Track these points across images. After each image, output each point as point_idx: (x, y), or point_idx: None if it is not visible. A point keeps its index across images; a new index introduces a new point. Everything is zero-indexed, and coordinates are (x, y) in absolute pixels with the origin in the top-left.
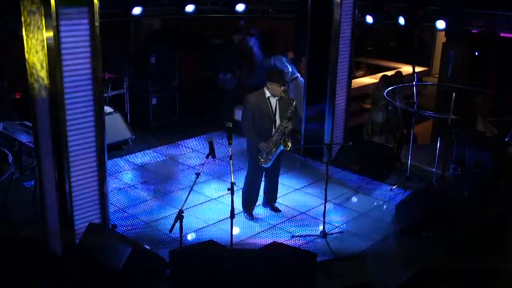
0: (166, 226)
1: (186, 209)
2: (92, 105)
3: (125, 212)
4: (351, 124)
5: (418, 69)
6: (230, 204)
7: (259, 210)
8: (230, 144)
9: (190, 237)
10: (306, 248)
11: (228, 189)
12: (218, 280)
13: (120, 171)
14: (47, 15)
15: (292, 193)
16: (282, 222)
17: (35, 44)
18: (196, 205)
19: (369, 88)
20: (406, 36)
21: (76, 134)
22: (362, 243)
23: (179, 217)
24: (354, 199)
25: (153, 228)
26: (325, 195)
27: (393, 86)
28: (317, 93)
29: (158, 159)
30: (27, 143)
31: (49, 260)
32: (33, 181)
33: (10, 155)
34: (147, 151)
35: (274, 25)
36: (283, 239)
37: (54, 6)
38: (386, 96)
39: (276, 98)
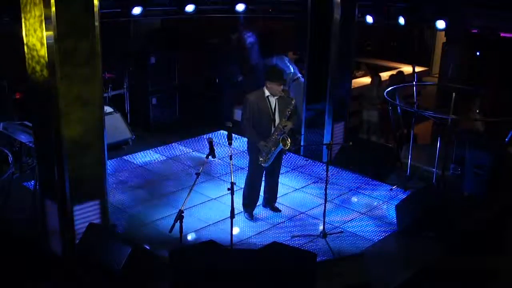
0: (166, 226)
1: (186, 209)
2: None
3: (125, 212)
4: (351, 124)
5: (418, 69)
6: (230, 204)
7: (259, 210)
8: (230, 144)
9: (190, 237)
10: (306, 248)
11: (228, 189)
12: (218, 280)
13: (120, 171)
14: None
15: (292, 193)
16: (282, 222)
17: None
18: (196, 205)
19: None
20: (406, 36)
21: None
22: (362, 243)
23: (179, 217)
24: (354, 199)
25: (153, 228)
26: (325, 195)
27: (381, 85)
28: (317, 93)
29: (158, 159)
30: (27, 143)
31: (49, 260)
32: (33, 181)
33: (10, 155)
34: (147, 151)
35: (274, 25)
36: (283, 239)
37: None
38: (386, 96)
39: (275, 98)
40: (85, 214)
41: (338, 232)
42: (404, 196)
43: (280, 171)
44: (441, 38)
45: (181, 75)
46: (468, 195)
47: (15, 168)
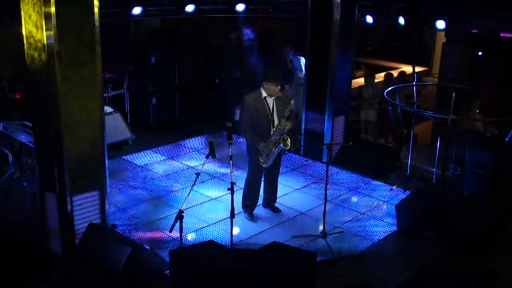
0: (166, 226)
1: (186, 209)
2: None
3: (125, 212)
4: (351, 124)
5: (418, 69)
6: (230, 204)
7: (259, 210)
8: (230, 144)
9: (190, 237)
10: (306, 248)
11: (228, 189)
12: (218, 280)
13: (120, 171)
14: None
15: (292, 193)
16: (282, 222)
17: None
18: (196, 205)
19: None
20: (406, 36)
21: (76, 133)
22: (362, 243)
23: (179, 217)
24: (354, 199)
25: (153, 228)
26: (325, 195)
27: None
28: (317, 93)
29: (158, 159)
30: (27, 143)
31: (49, 260)
32: (33, 181)
33: (10, 155)
34: (147, 151)
35: (274, 25)
36: (283, 239)
37: None
38: (386, 96)
39: (273, 98)
40: (85, 214)
41: (338, 232)
42: (404, 196)
43: (281, 171)
44: (441, 38)
45: (181, 75)
46: (468, 195)
47: (15, 168)
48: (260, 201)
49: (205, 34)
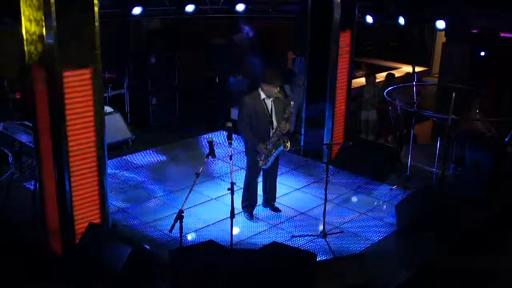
0: (166, 226)
1: (186, 209)
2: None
3: (125, 212)
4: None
5: (418, 69)
6: (230, 204)
7: (259, 210)
8: (230, 144)
9: (190, 237)
10: (306, 248)
11: (228, 189)
12: (218, 280)
13: (120, 171)
14: None
15: (292, 193)
16: (282, 222)
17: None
18: (196, 205)
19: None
20: (406, 36)
21: (76, 134)
22: (362, 243)
23: (179, 217)
24: (354, 199)
25: (153, 228)
26: (325, 195)
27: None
28: (317, 93)
29: (158, 159)
30: (27, 143)
31: (49, 260)
32: (33, 181)
33: (10, 155)
34: (147, 151)
35: (274, 25)
36: (283, 239)
37: None
38: (386, 96)
39: (271, 99)
40: (85, 214)
41: (338, 232)
42: (404, 196)
43: (281, 171)
44: (441, 38)
45: (181, 75)
46: (468, 195)
47: (15, 168)
48: (260, 201)
49: (206, 34)
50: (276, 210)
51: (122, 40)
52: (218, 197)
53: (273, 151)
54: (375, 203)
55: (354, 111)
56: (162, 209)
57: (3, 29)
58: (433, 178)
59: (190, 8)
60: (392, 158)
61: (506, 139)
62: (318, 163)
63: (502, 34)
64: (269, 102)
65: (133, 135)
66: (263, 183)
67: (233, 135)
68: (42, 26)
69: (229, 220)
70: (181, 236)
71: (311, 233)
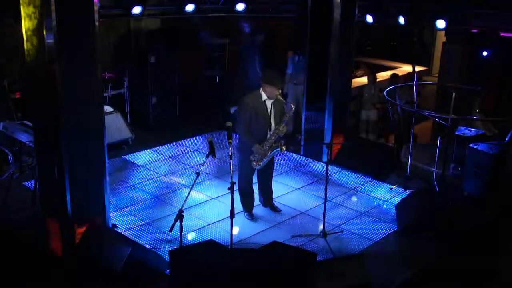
0: (166, 225)
1: (186, 208)
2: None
3: (125, 212)
4: (351, 123)
5: (418, 68)
6: (230, 204)
7: (259, 209)
8: (230, 143)
9: (190, 236)
10: (306, 248)
11: (228, 189)
12: (218, 280)
13: (120, 171)
14: None
15: (292, 192)
16: (282, 222)
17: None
18: (196, 204)
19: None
20: (406, 36)
21: (76, 133)
22: (362, 243)
23: (179, 216)
24: (354, 199)
25: (153, 228)
26: (325, 194)
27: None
28: (317, 93)
29: (158, 159)
30: (27, 142)
31: (49, 260)
32: (33, 181)
33: (10, 155)
34: (147, 151)
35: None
36: (283, 238)
37: None
38: (386, 96)
39: (271, 101)
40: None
41: (338, 232)
42: (404, 196)
43: (281, 171)
44: (441, 38)
45: (181, 75)
46: (468, 195)
47: (15, 168)
48: (260, 200)
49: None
50: (276, 209)
51: (122, 40)
52: (218, 196)
53: (269, 152)
54: (375, 203)
55: (354, 110)
56: (162, 209)
57: (3, 29)
58: (433, 178)
59: (190, 8)
60: (392, 158)
61: (506, 139)
62: (318, 163)
63: (502, 34)
64: (269, 104)
65: (133, 134)
66: (258, 184)
67: (233, 135)
68: (42, 25)
69: (229, 219)
70: (181, 236)
71: (311, 233)
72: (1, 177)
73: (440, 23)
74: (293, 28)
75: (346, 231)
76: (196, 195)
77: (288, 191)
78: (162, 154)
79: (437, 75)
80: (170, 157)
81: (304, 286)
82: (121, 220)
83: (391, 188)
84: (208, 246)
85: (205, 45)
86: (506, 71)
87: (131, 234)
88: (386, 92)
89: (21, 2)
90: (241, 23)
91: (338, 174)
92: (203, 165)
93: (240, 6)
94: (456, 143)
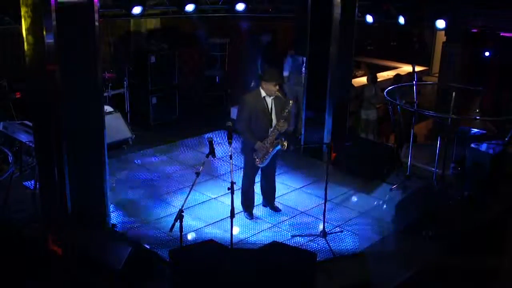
0: (166, 225)
1: (186, 208)
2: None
3: (125, 212)
4: (351, 123)
5: (418, 68)
6: (230, 204)
7: (259, 210)
8: (230, 143)
9: (190, 236)
10: (306, 248)
11: (228, 189)
12: (218, 280)
13: (120, 171)
14: None
15: (292, 192)
16: (282, 222)
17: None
18: (196, 204)
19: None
20: (406, 36)
21: (76, 133)
22: (362, 243)
23: (179, 216)
24: (354, 199)
25: (153, 228)
26: (325, 194)
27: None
28: (317, 93)
29: (158, 159)
30: (27, 142)
31: (49, 260)
32: (33, 181)
33: (10, 155)
34: (147, 150)
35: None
36: (283, 238)
37: None
38: (386, 96)
39: (271, 98)
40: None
41: (338, 232)
42: (404, 196)
43: (281, 171)
44: (441, 38)
45: (181, 75)
46: (468, 195)
47: (15, 168)
48: (260, 200)
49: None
50: (276, 209)
51: (122, 40)
52: (218, 196)
53: (271, 149)
54: (375, 203)
55: (354, 110)
56: (162, 209)
57: (3, 29)
58: (433, 177)
59: (190, 8)
60: (392, 157)
61: (506, 138)
62: (318, 163)
63: (502, 34)
64: (269, 101)
65: (133, 134)
66: (261, 183)
67: (233, 135)
68: (35, 24)
69: (229, 219)
70: (181, 235)
71: (311, 233)
72: (1, 177)
73: (440, 23)
74: (291, 28)
75: (346, 231)
76: (196, 195)
77: (288, 191)
78: (162, 154)
79: (437, 75)
80: (170, 157)
81: (304, 286)
82: (121, 220)
83: (391, 189)
84: (208, 246)
85: (205, 45)
86: (506, 71)
87: (131, 234)
88: (386, 92)
89: (22, 4)
90: (242, 23)
91: (338, 174)
92: (203, 165)
93: (240, 6)
94: (456, 143)
